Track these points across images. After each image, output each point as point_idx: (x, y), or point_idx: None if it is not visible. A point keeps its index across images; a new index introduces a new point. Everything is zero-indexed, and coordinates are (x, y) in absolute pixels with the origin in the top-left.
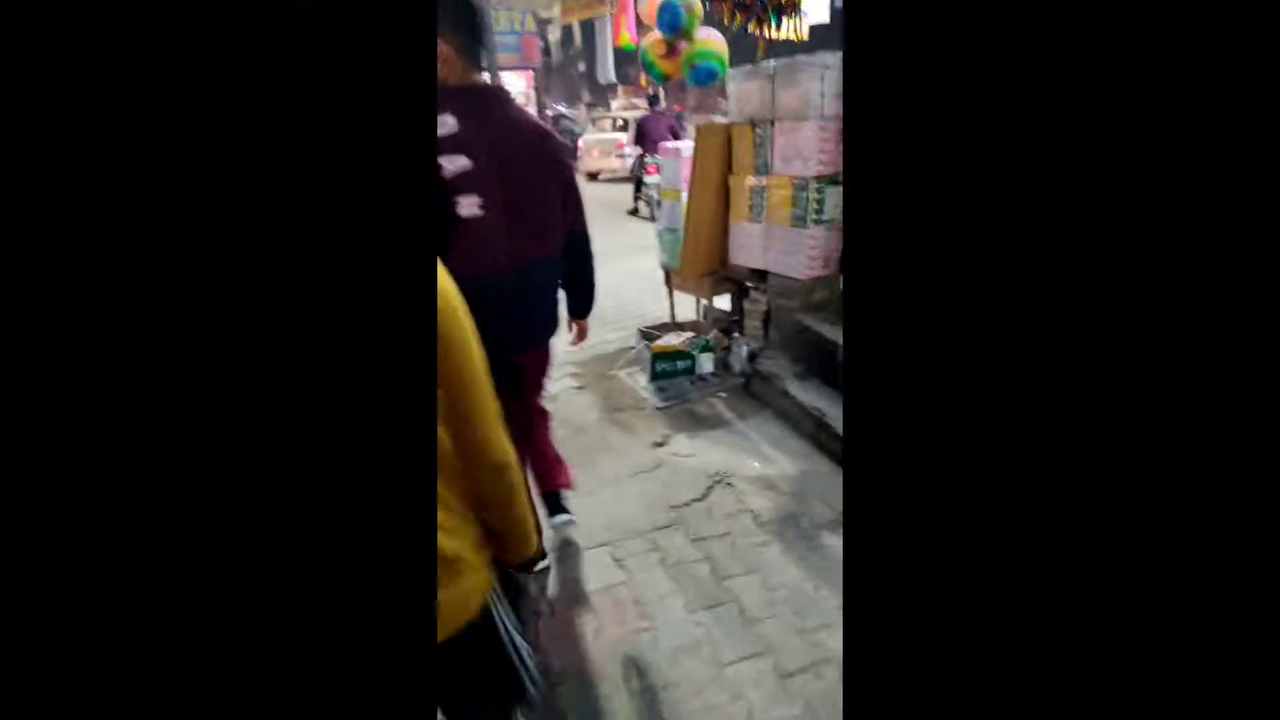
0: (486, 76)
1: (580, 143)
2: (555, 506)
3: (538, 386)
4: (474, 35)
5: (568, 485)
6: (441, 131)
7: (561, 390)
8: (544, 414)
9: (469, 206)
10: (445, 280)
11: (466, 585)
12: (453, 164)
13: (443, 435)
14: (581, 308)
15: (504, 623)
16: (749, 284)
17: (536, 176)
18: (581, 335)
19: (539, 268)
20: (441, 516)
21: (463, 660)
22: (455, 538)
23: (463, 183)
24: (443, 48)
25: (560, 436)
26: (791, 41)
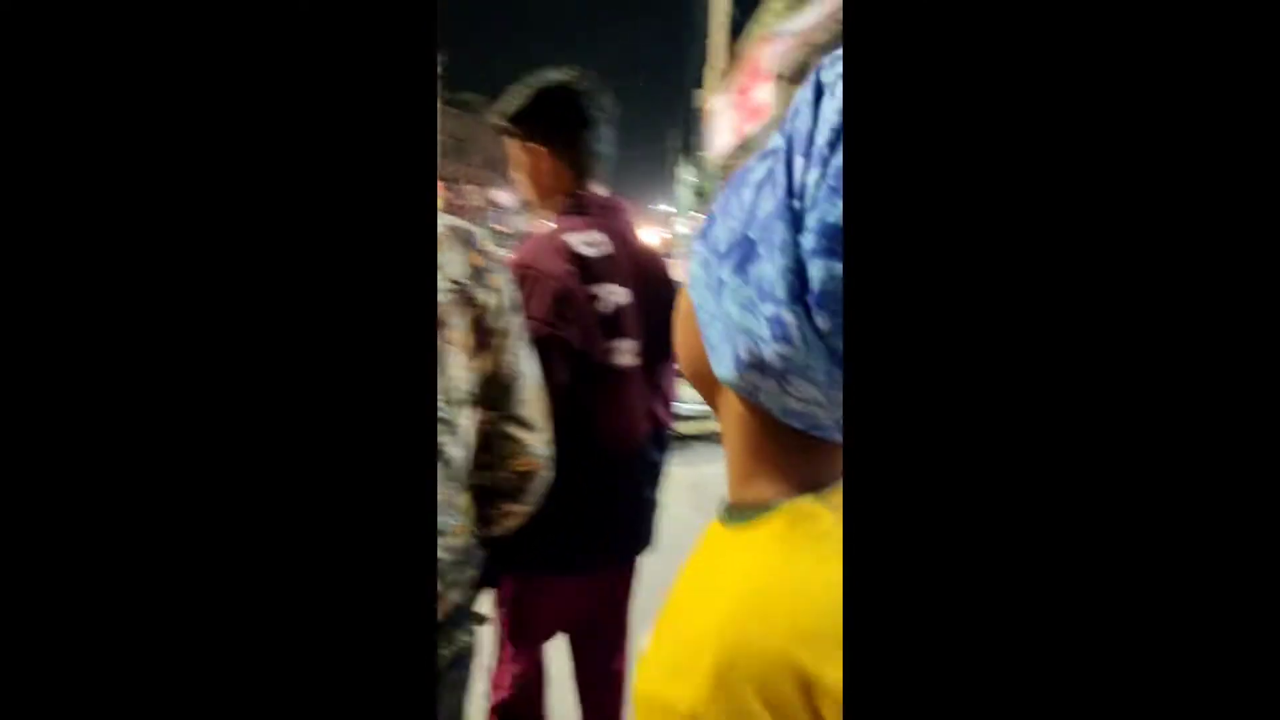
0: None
1: None
2: None
3: (621, 634)
4: (578, 131)
5: None
6: (594, 251)
7: None
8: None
9: (627, 353)
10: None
11: None
12: (610, 296)
13: None
14: None
15: None
16: None
17: (668, 318)
18: None
19: (661, 440)
20: None
21: None
22: None
23: (620, 322)
24: (540, 154)
25: None
26: None
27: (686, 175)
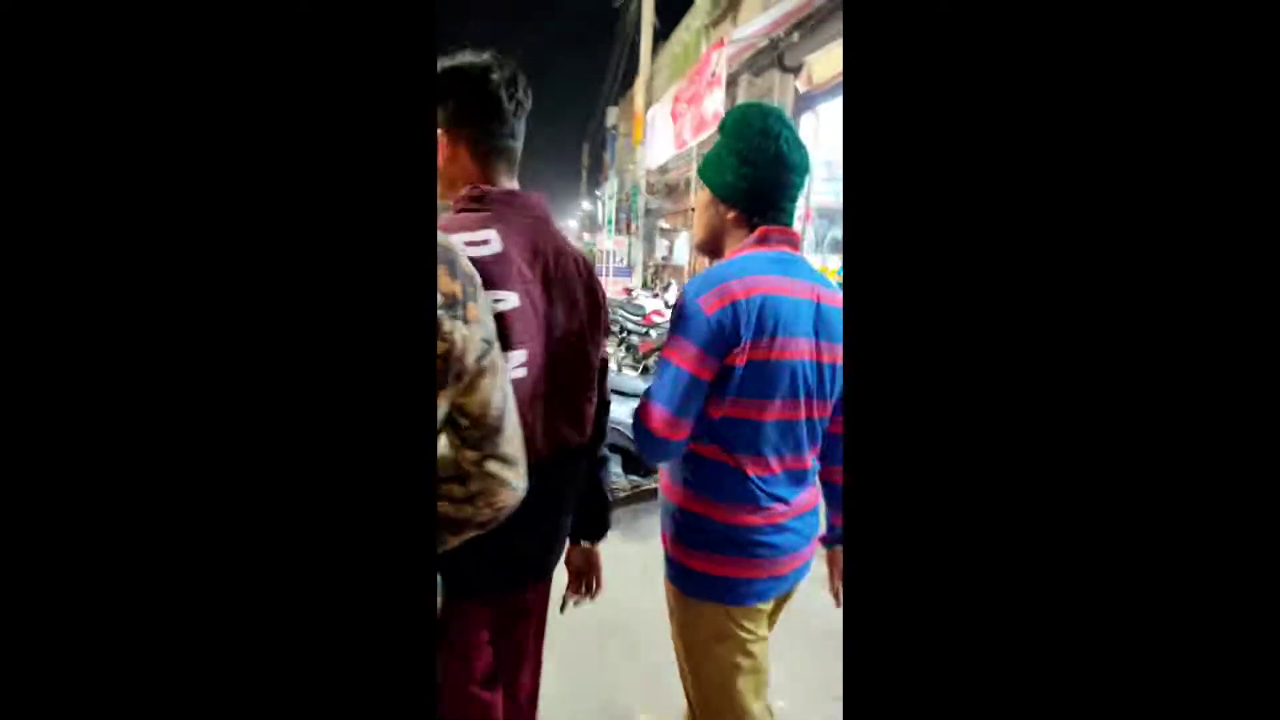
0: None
1: None
2: None
3: (536, 657)
4: (488, 118)
5: None
6: (479, 252)
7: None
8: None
9: (514, 367)
10: None
11: None
12: (495, 304)
13: None
14: (592, 525)
15: None
16: None
17: (582, 326)
18: (591, 574)
19: (570, 461)
20: None
21: None
22: None
23: (507, 332)
24: (444, 141)
25: None
26: None
27: (608, 191)
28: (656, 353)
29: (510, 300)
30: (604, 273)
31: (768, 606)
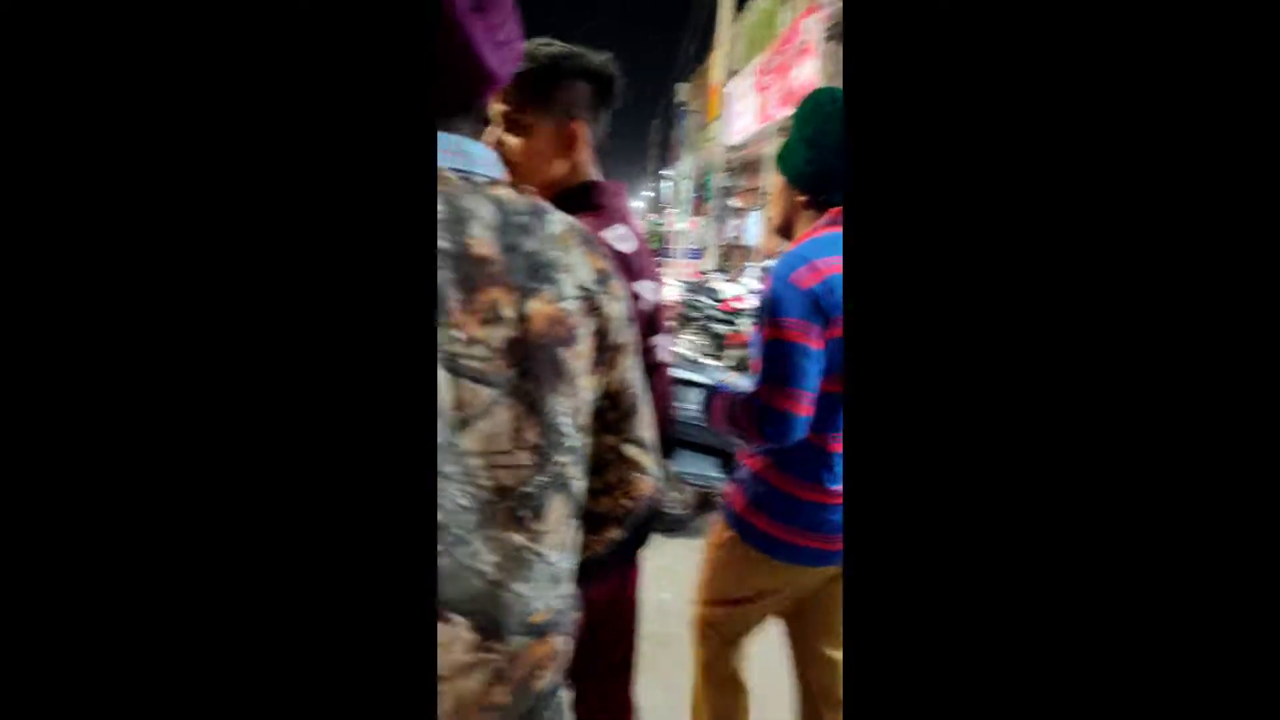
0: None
1: None
2: None
3: (631, 645)
4: (606, 110)
5: None
6: (628, 247)
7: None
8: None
9: (664, 348)
10: None
11: None
12: (647, 293)
13: None
14: None
15: None
16: None
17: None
18: None
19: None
20: None
21: None
22: None
23: (657, 317)
24: (575, 131)
25: None
26: None
27: (681, 170)
28: (747, 346)
29: (656, 290)
30: (675, 255)
31: (820, 570)
